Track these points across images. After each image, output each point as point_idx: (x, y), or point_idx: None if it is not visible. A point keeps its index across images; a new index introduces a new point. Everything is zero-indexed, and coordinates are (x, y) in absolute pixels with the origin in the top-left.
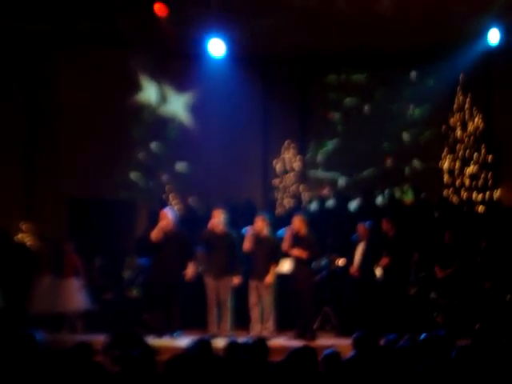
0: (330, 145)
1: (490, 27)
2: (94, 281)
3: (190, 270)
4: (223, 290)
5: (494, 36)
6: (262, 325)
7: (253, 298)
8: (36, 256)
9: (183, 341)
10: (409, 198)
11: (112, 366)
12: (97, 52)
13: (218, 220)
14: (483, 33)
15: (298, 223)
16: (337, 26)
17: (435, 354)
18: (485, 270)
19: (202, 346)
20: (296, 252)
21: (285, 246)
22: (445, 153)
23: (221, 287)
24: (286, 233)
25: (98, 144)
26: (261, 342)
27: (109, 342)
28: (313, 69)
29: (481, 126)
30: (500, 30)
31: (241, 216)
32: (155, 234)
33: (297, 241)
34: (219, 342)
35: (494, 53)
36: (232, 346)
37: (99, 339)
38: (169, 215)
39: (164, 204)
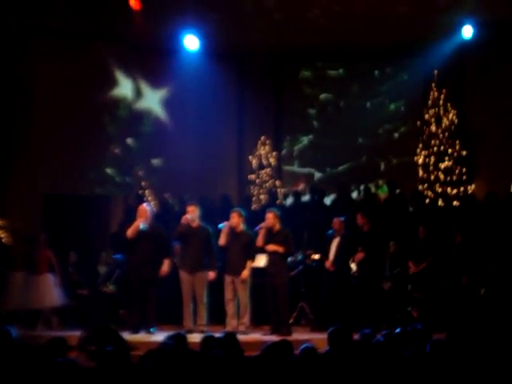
0: (306, 140)
1: (464, 23)
2: (70, 276)
3: (166, 266)
4: (198, 284)
5: (467, 31)
6: (237, 320)
7: (228, 293)
8: (11, 252)
9: (159, 336)
10: (384, 192)
11: (87, 362)
12: (72, 47)
13: (193, 215)
14: (457, 28)
15: (271, 219)
16: (311, 22)
17: (412, 348)
18: (459, 265)
19: (178, 341)
20: (272, 247)
21: (259, 241)
22: (419, 148)
23: (196, 282)
24: (259, 229)
25: (73, 139)
26: (230, 337)
27: (84, 338)
28: (288, 64)
29: (455, 121)
30: (474, 26)
31: (217, 211)
32: (131, 232)
33: (271, 236)
34: (195, 337)
35: (467, 48)
36: (207, 340)
37: (75, 335)
38: (146, 211)
39: (140, 199)
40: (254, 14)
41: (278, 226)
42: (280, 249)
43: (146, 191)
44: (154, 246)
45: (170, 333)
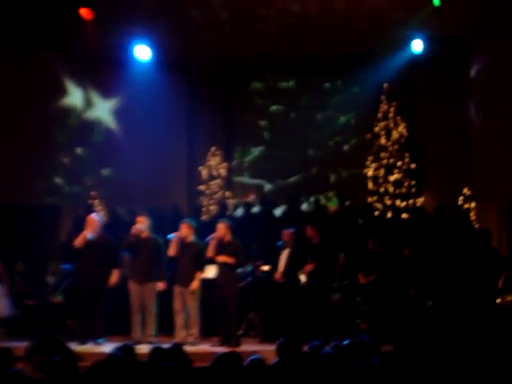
0: (256, 151)
1: (414, 37)
2: (17, 286)
3: (114, 276)
4: (147, 295)
5: (417, 46)
6: (186, 331)
7: (177, 304)
8: None
9: (107, 347)
10: (334, 204)
11: (34, 373)
12: (22, 55)
13: (142, 225)
14: (407, 42)
15: (222, 230)
16: (263, 33)
17: (360, 359)
18: (408, 277)
19: (126, 352)
20: (223, 258)
21: (210, 252)
22: (369, 160)
23: (145, 293)
24: (210, 239)
25: (22, 148)
26: (179, 348)
27: (31, 348)
28: (239, 75)
29: (405, 134)
30: (424, 40)
31: (167, 222)
32: (79, 242)
33: (222, 247)
34: (143, 348)
35: (418, 62)
36: (156, 351)
37: (21, 346)
38: (95, 221)
39: (89, 209)
40: (204, 25)
41: (228, 237)
42: (230, 260)
43: (96, 201)
44: (103, 257)
45: (118, 344)
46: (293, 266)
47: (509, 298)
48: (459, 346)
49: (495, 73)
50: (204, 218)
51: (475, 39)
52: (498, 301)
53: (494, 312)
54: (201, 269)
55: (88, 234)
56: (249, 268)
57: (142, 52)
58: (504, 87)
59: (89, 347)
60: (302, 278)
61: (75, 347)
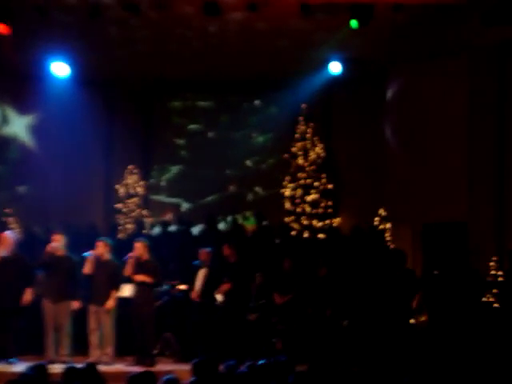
0: (174, 170)
1: (332, 59)
2: None
3: (28, 295)
4: (62, 314)
5: (335, 67)
6: (101, 350)
7: (92, 323)
8: None
9: (19, 367)
10: (251, 224)
11: None
12: None
13: (58, 244)
14: (325, 64)
15: (140, 249)
16: (182, 52)
17: (275, 379)
18: (324, 297)
19: (38, 372)
20: (140, 277)
21: (127, 271)
22: (287, 180)
23: (59, 311)
24: (128, 258)
25: None
26: (92, 368)
27: None
28: (158, 94)
29: (322, 154)
30: (341, 62)
31: (83, 240)
32: None
33: (139, 266)
34: (57, 368)
35: (335, 84)
36: (69, 371)
37: None
38: (9, 239)
39: (3, 227)
40: (121, 43)
41: (146, 256)
42: (148, 279)
43: (10, 218)
44: (16, 275)
45: (31, 363)
46: (209, 286)
47: (423, 319)
48: (373, 366)
49: (409, 96)
50: (121, 236)
51: (390, 63)
52: (412, 321)
53: (407, 332)
54: (116, 287)
55: (1, 251)
56: (165, 287)
57: (60, 68)
58: (417, 110)
59: (0, 367)
60: (219, 297)
61: None
